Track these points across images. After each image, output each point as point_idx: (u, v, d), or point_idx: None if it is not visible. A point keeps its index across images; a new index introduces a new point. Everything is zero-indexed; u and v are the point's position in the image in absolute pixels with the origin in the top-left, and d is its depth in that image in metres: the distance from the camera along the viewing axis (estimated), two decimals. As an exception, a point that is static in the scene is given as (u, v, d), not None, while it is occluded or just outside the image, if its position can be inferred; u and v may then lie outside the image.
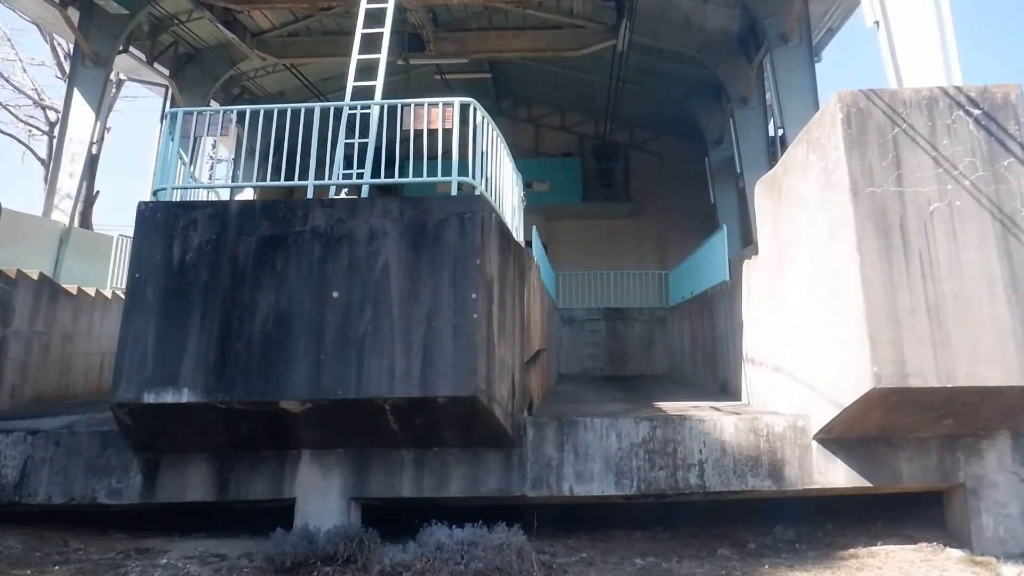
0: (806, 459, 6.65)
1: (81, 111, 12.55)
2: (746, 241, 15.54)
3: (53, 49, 18.89)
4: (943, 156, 6.22)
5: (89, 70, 12.62)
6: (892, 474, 6.57)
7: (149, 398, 6.10)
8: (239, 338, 6.16)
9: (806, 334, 6.84)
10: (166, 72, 15.45)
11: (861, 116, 6.35)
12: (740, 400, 9.14)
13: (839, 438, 6.60)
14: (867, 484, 6.56)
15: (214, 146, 23.25)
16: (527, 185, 20.68)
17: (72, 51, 13.48)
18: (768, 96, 15.48)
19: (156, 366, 6.16)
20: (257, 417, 6.33)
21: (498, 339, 6.50)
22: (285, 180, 6.70)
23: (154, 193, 6.79)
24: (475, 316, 6.07)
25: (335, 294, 6.19)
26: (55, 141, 12.91)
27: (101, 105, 12.82)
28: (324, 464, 6.73)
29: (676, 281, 16.19)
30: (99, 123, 12.74)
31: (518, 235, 8.27)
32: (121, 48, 13.36)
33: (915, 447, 6.59)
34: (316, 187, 6.84)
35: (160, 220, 6.47)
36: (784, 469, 6.63)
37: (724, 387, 10.26)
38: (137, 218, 6.51)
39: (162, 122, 15.36)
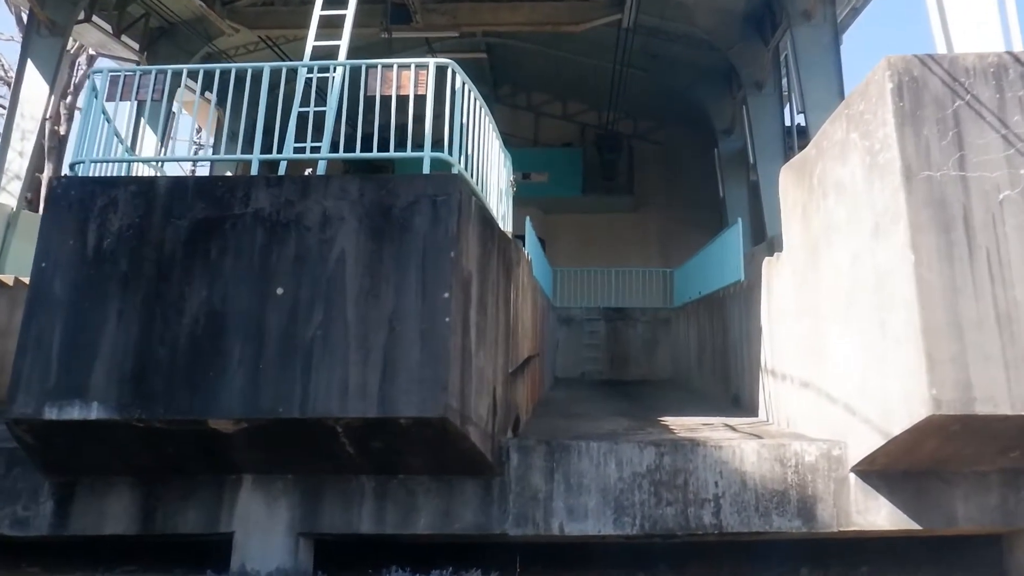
0: (842, 495, 5.57)
1: (34, 84, 11.40)
2: (758, 238, 14.48)
3: (19, 21, 17.71)
4: (1014, 134, 5.16)
5: (44, 39, 11.48)
6: (945, 515, 5.51)
7: (51, 414, 5.02)
8: (162, 342, 5.09)
9: (844, 346, 5.77)
10: (136, 47, 14.30)
11: (915, 86, 5.29)
12: (757, 416, 8.08)
13: (882, 470, 5.53)
14: (915, 527, 5.49)
15: (199, 131, 22.24)
16: (524, 176, 19.70)
17: (28, 19, 12.35)
18: (785, 82, 14.42)
19: (61, 375, 5.09)
20: (184, 437, 5.27)
21: (476, 347, 5.43)
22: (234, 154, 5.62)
23: (71, 167, 5.72)
24: (447, 320, 5.01)
25: (279, 291, 5.13)
26: (5, 116, 11.74)
27: (56, 78, 11.70)
28: (269, 492, 5.67)
29: (682, 280, 15.12)
30: (54, 98, 11.65)
31: (505, 224, 7.19)
32: (82, 17, 12.23)
33: (972, 483, 5.52)
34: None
35: (74, 199, 5.39)
36: (816, 507, 5.56)
37: (737, 400, 9.20)
38: (47, 196, 5.47)
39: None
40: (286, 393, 4.97)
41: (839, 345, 5.84)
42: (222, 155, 5.60)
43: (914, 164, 5.12)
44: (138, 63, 14.76)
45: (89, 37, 13.91)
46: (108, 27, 13.45)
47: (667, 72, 17.49)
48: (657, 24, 14.53)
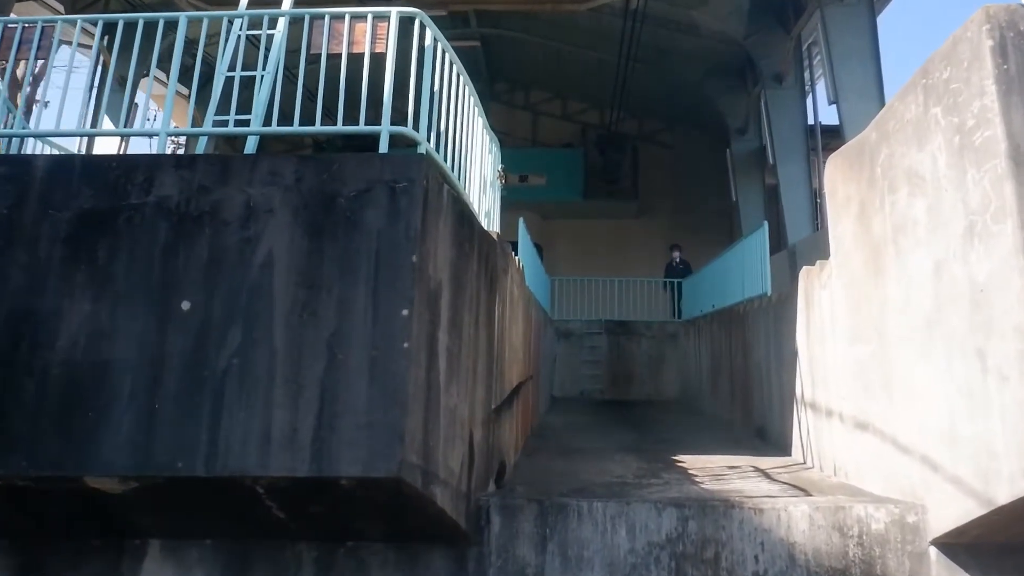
0: (921, 574, 4.31)
1: (-30, 67, 10.17)
2: (776, 247, 13.20)
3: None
4: None
5: (-19, 17, 10.27)
6: (1052, 601, 4.25)
7: None
8: (28, 374, 3.82)
9: (922, 380, 4.50)
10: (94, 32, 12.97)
11: (1022, 44, 4.05)
12: (790, 456, 6.80)
13: (973, 543, 4.27)
14: (1016, 617, 4.22)
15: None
16: (521, 178, 18.46)
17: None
18: (807, 75, 13.19)
19: None
20: (63, 496, 4.02)
21: (446, 380, 4.17)
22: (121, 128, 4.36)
23: (-70, 144, 4.47)
24: (406, 345, 3.74)
25: (185, 305, 3.87)
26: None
27: (-6, 61, 10.43)
28: (181, 562, 4.43)
29: (691, 291, 13.86)
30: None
31: (490, 224, 5.92)
32: (27, -7, 11.05)
33: (1090, 561, 4.26)
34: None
35: (-75, 184, 4.14)
36: (887, 591, 4.29)
37: (762, 432, 7.92)
38: None
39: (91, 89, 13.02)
40: (188, 443, 3.70)
41: (915, 378, 4.57)
42: (119, 128, 4.39)
43: (1024, 144, 3.88)
44: (99, 53, 13.51)
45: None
46: (59, 7, 12.20)
47: (676, 67, 16.23)
48: (666, 12, 13.29)
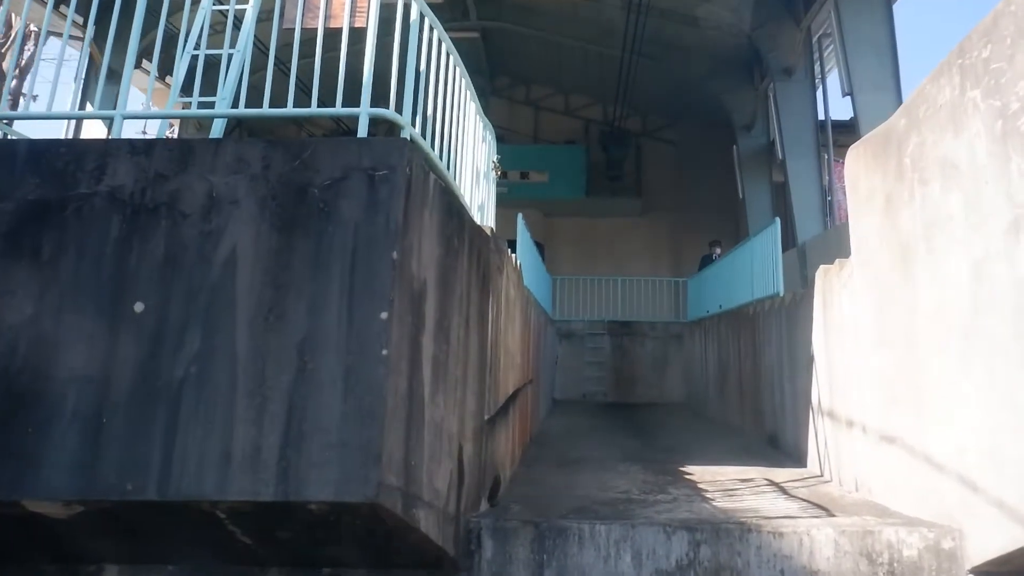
0: (958, 607, 3.89)
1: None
2: (784, 245, 12.75)
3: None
4: None
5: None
6: (1105, 638, 3.83)
7: None
8: (-40, 383, 3.41)
9: (959, 391, 4.07)
10: (80, 21, 12.59)
11: (1075, 17, 3.63)
12: (805, 467, 6.38)
13: (1017, 571, 3.85)
14: (1065, 656, 3.80)
15: (172, 127, 20.59)
16: (523, 176, 18.05)
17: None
18: (817, 68, 12.74)
19: None
20: (3, 521, 3.60)
21: (431, 390, 3.75)
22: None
23: None
24: (384, 352, 3.32)
25: (138, 307, 3.45)
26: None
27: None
28: (141, 589, 4.00)
29: (697, 291, 13.43)
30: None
31: (484, 218, 5.48)
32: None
33: None
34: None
35: None
36: (921, 625, 3.87)
37: (775, 440, 7.49)
38: None
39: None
40: (139, 463, 3.28)
41: (950, 389, 4.14)
42: (53, 111, 3.97)
43: (1078, 129, 3.46)
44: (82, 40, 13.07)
45: (17, 6, 12.18)
46: (39, -8, 11.74)
47: (681, 62, 15.78)
48: (671, 3, 12.85)
